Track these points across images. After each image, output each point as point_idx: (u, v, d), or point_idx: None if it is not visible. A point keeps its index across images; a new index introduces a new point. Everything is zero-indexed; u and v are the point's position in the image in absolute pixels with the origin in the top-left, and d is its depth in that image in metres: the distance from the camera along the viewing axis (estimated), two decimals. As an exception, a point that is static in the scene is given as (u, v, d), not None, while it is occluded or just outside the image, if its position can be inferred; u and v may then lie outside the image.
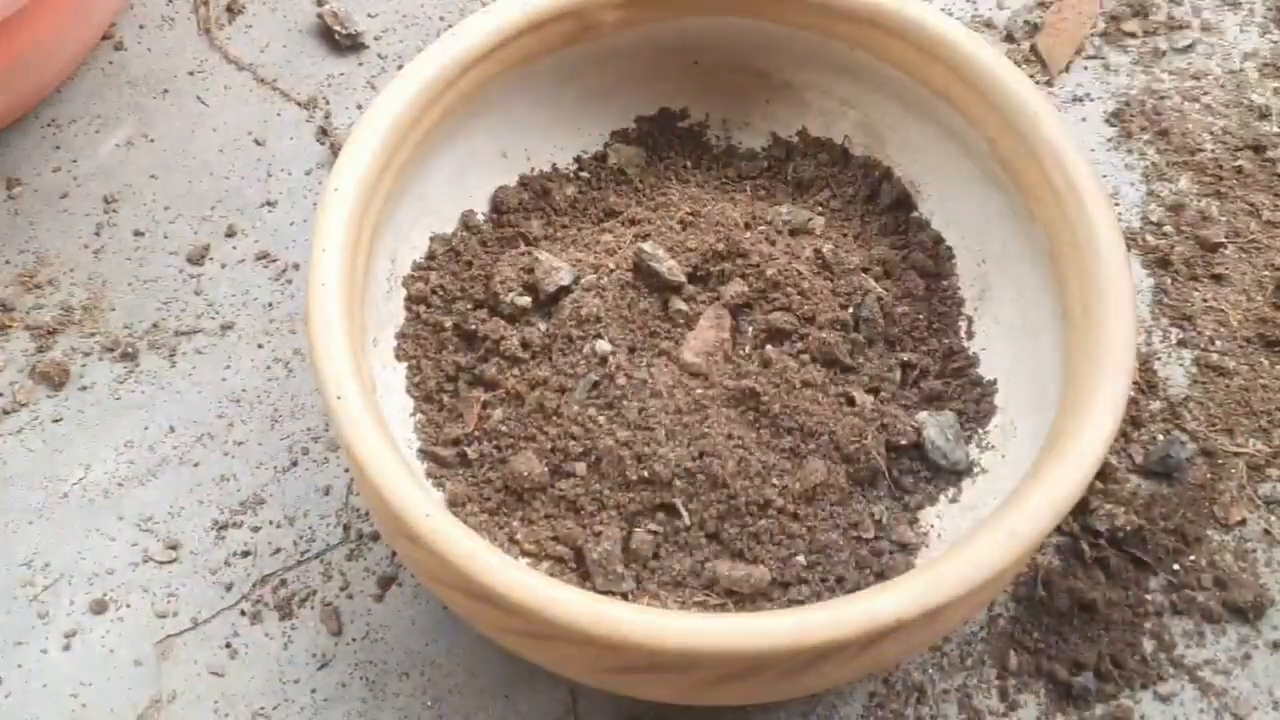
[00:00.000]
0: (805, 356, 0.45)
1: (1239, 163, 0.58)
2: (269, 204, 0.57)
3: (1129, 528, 0.48)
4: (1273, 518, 0.49)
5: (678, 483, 0.42)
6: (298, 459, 0.51)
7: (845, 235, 0.49)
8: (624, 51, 0.50)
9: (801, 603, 0.42)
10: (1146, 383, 0.53)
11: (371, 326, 0.45)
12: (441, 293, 0.48)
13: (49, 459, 0.51)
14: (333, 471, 0.50)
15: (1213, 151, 0.59)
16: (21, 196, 0.57)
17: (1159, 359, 0.53)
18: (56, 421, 0.51)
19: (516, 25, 0.47)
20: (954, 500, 0.44)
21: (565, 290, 0.46)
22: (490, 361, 0.46)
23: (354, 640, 0.47)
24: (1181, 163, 0.59)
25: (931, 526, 0.44)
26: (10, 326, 0.54)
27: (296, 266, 0.56)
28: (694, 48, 0.51)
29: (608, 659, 0.38)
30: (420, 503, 0.38)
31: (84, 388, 0.52)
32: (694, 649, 0.36)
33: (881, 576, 0.42)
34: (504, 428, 0.44)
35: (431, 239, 0.49)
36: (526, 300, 0.46)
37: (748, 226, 0.47)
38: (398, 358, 0.46)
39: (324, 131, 0.59)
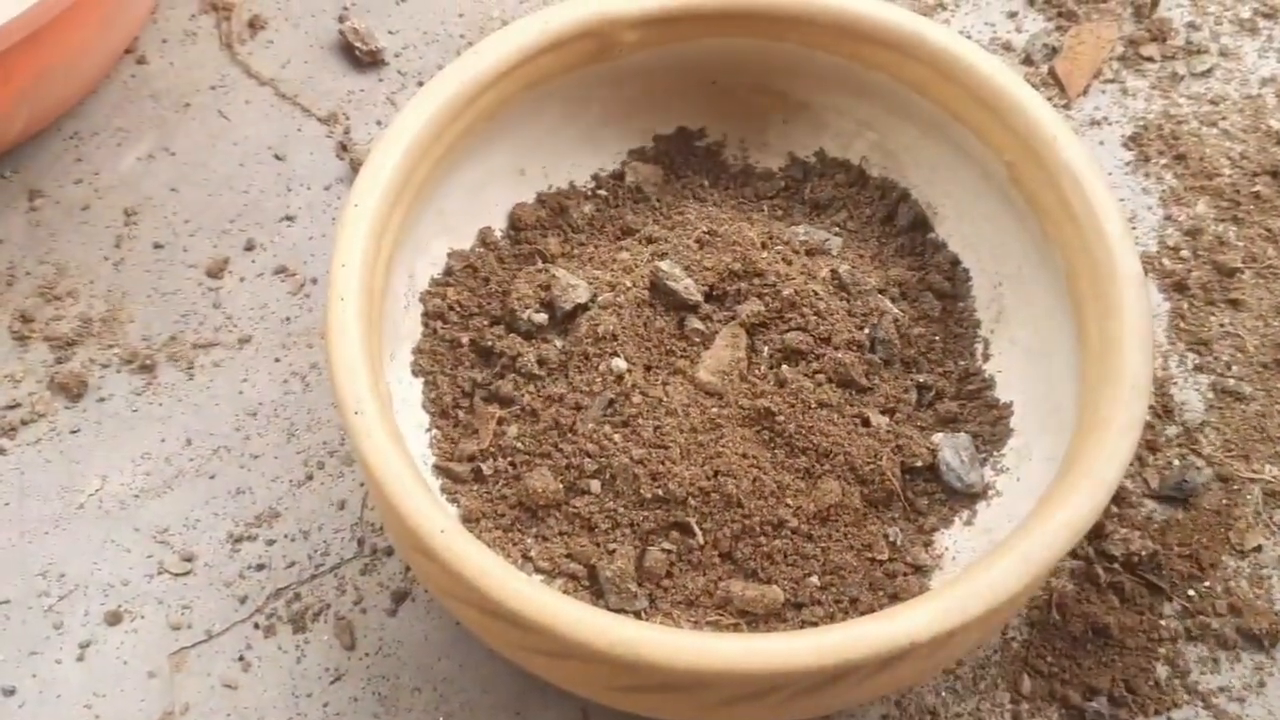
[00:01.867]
0: (821, 377, 0.45)
1: (1256, 188, 0.58)
2: (288, 218, 0.58)
3: (1144, 553, 0.48)
4: (1289, 544, 0.49)
5: (692, 502, 0.42)
6: (313, 473, 0.51)
7: (862, 256, 0.49)
8: (643, 71, 0.51)
9: (815, 624, 0.42)
10: (1163, 407, 0.52)
11: (389, 341, 0.45)
12: (458, 309, 0.48)
13: (66, 470, 0.51)
14: (348, 486, 0.51)
15: (1230, 176, 0.59)
16: (43, 208, 0.58)
17: (1175, 384, 0.53)
18: (74, 433, 0.52)
19: (537, 44, 0.48)
20: (969, 523, 0.44)
21: (582, 308, 0.46)
22: (506, 378, 0.46)
23: (367, 655, 0.47)
24: (1199, 187, 0.59)
25: (946, 549, 0.44)
26: (30, 337, 0.54)
27: (314, 281, 0.56)
28: (712, 68, 0.51)
29: (619, 678, 0.38)
30: (435, 518, 0.38)
31: (102, 399, 0.53)
32: (705, 669, 0.36)
33: (895, 598, 0.42)
34: (519, 444, 0.44)
35: (449, 255, 0.49)
36: (543, 317, 0.46)
37: (764, 246, 0.47)
38: (414, 373, 0.47)
39: (344, 147, 0.60)
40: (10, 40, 0.48)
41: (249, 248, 0.57)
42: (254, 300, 0.55)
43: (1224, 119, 0.61)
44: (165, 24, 0.63)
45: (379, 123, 0.60)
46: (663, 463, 0.42)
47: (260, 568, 0.49)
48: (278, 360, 0.54)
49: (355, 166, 0.59)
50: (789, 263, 0.47)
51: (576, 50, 0.49)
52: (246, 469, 0.51)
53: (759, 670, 0.36)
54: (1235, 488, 0.50)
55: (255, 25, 0.63)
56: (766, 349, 0.46)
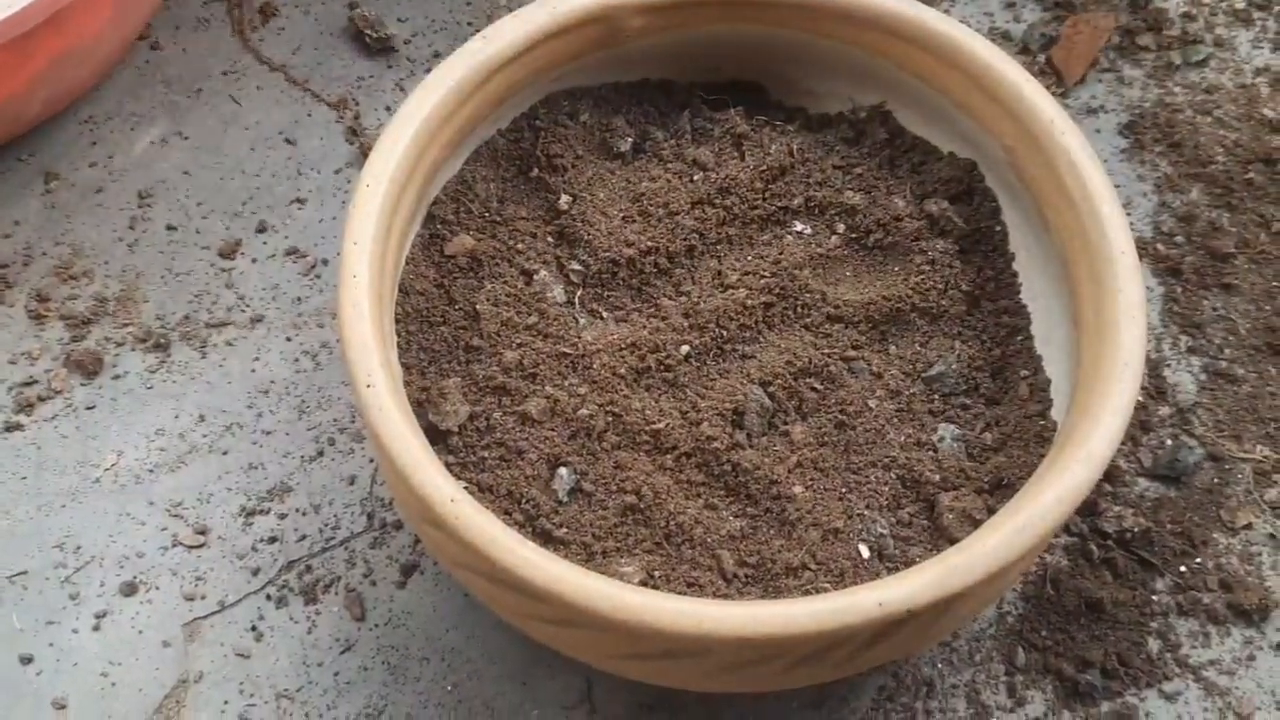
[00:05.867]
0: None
1: (1250, 175, 0.59)
2: (299, 201, 0.59)
3: (1137, 530, 0.49)
4: (1278, 522, 0.50)
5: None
6: (324, 449, 0.52)
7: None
8: (648, 57, 0.52)
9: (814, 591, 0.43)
10: (1156, 389, 0.54)
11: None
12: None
13: (82, 445, 0.52)
14: (358, 462, 0.52)
15: (1224, 164, 0.60)
16: (58, 191, 0.59)
17: (1169, 365, 0.54)
18: (90, 409, 0.53)
19: (544, 30, 0.48)
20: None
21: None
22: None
23: (376, 625, 0.48)
24: (1193, 174, 0.60)
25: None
26: (46, 316, 0.55)
27: (325, 262, 0.57)
28: (717, 54, 0.52)
29: (623, 644, 0.39)
30: (445, 488, 0.39)
31: (117, 376, 0.54)
32: (707, 635, 0.37)
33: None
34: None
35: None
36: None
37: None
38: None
39: (353, 132, 0.61)
40: (28, 25, 0.49)
41: (260, 230, 0.58)
42: (266, 281, 0.56)
43: (1218, 108, 0.62)
44: (178, 10, 0.64)
45: (388, 108, 0.61)
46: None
47: (272, 540, 0.50)
48: (289, 339, 0.55)
49: (365, 151, 0.60)
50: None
51: (583, 36, 0.49)
52: (259, 445, 0.52)
53: (758, 636, 0.37)
54: (1226, 467, 0.51)
55: (266, 12, 0.64)
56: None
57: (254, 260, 0.57)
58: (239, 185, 0.59)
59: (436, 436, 0.44)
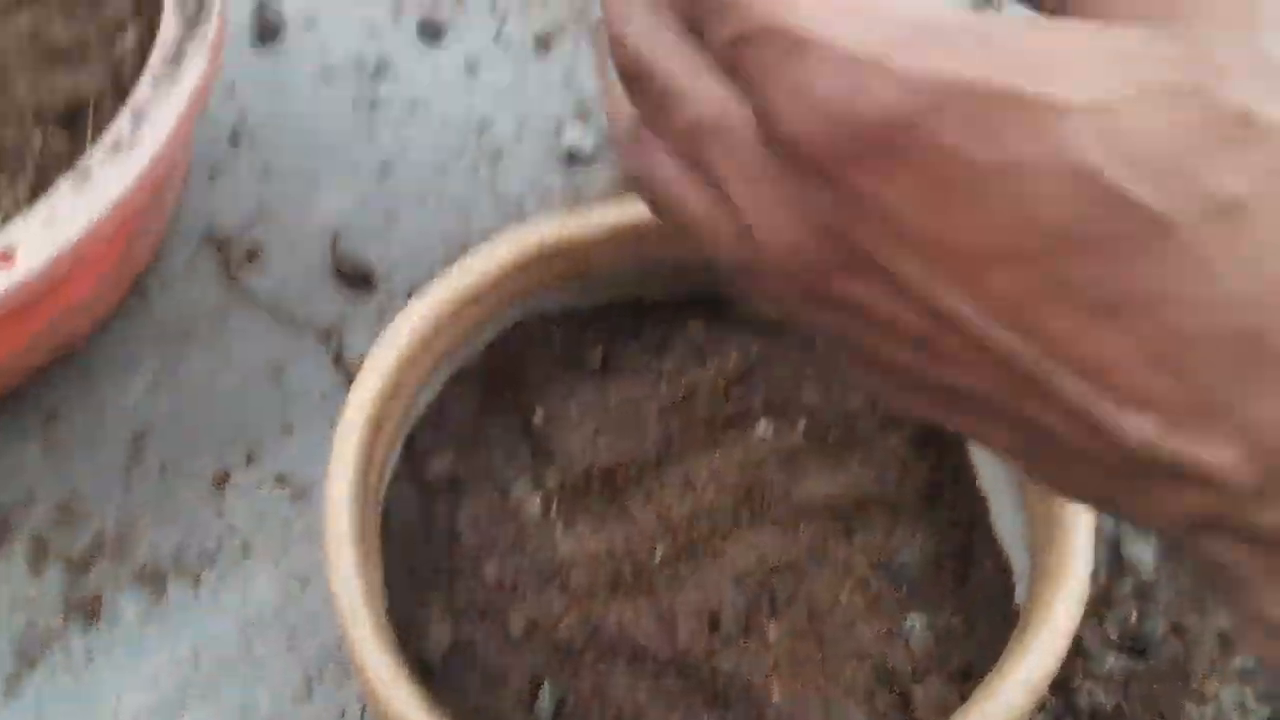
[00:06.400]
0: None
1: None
2: (286, 429, 0.61)
3: (1109, 705, 0.50)
4: (1245, 689, 0.51)
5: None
6: (312, 684, 0.53)
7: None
8: (612, 280, 0.55)
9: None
10: (1116, 564, 0.55)
11: (383, 546, 0.48)
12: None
13: (82, 694, 0.53)
14: (347, 694, 0.53)
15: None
16: (57, 436, 0.61)
17: (1127, 539, 0.56)
18: (89, 652, 0.54)
19: (513, 261, 0.52)
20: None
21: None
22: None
23: None
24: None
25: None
26: (45, 559, 0.57)
27: (313, 487, 0.59)
28: (676, 273, 0.56)
29: None
30: (430, 722, 0.40)
31: (115, 619, 0.55)
32: None
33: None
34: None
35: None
36: (527, 515, 0.50)
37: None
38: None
39: (338, 360, 0.64)
40: (29, 296, 0.52)
41: (250, 460, 0.60)
42: (254, 510, 0.59)
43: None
44: (168, 258, 0.68)
45: (371, 337, 0.64)
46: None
47: (267, 775, 0.51)
48: (278, 565, 0.57)
49: (350, 379, 0.63)
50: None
51: (550, 266, 0.53)
52: (251, 679, 0.53)
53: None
54: (1191, 637, 0.53)
55: (253, 254, 0.68)
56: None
57: (243, 490, 0.59)
58: (228, 418, 0.62)
59: (421, 665, 0.45)
